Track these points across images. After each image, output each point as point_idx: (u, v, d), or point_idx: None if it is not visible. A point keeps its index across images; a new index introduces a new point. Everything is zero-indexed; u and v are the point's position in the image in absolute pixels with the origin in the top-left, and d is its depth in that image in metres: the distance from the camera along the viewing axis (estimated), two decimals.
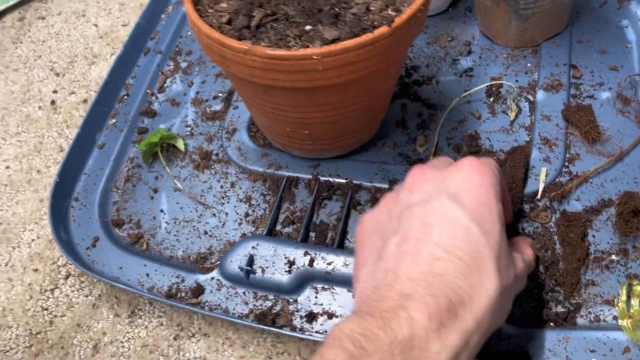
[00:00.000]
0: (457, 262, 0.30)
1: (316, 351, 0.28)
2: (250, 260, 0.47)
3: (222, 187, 0.54)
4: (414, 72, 0.61)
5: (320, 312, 0.45)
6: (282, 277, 0.46)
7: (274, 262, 0.46)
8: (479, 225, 0.31)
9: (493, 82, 0.57)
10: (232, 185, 0.54)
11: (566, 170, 0.50)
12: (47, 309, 0.50)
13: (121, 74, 0.65)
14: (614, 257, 0.44)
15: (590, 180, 0.49)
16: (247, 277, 0.46)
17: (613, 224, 0.45)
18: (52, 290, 0.51)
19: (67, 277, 0.52)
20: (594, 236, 0.46)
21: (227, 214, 0.52)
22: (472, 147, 0.52)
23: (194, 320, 0.48)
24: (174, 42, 0.69)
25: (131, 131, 0.61)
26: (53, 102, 0.67)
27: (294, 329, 0.44)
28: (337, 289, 0.46)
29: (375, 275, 0.32)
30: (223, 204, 0.53)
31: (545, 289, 0.43)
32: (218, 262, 0.49)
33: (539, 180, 0.48)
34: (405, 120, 0.56)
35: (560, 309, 0.43)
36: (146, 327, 0.48)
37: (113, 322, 0.49)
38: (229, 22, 0.42)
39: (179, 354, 0.46)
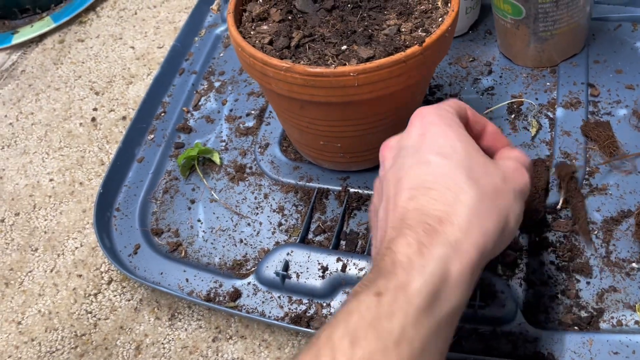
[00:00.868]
0: (428, 192, 0.32)
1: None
2: (286, 266, 0.49)
3: (256, 198, 0.57)
4: (438, 90, 0.64)
5: None
6: (315, 282, 0.48)
7: (308, 268, 0.49)
8: (439, 154, 0.33)
9: (514, 100, 0.60)
10: (266, 196, 0.57)
11: (586, 182, 0.52)
12: (91, 312, 0.53)
13: (158, 93, 0.69)
14: (634, 264, 0.46)
15: (610, 192, 0.51)
16: (282, 282, 0.49)
17: (633, 233, 0.47)
18: (95, 295, 0.54)
19: (109, 283, 0.55)
20: (614, 245, 0.48)
21: (261, 223, 0.55)
22: None
23: (231, 323, 0.50)
24: (208, 63, 0.73)
25: (168, 146, 0.64)
26: (93, 119, 0.70)
27: None
28: None
29: (375, 244, 0.35)
30: (257, 214, 0.56)
31: (569, 294, 0.45)
32: (254, 269, 0.51)
33: (562, 192, 0.51)
34: None
35: (584, 313, 0.44)
36: (186, 329, 0.50)
37: (154, 325, 0.51)
38: (270, 43, 0.45)
39: (217, 355, 0.48)
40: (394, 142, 0.38)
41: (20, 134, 0.71)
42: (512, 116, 0.59)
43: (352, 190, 0.55)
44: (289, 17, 0.48)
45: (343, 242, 0.52)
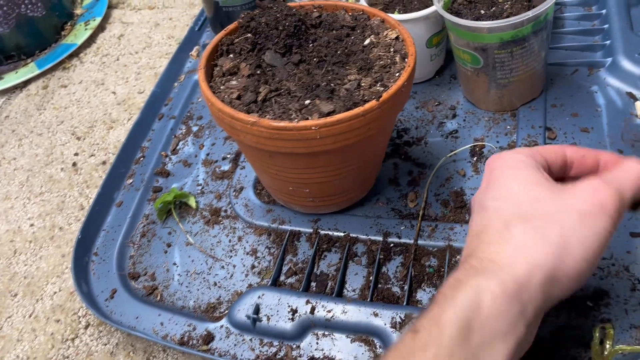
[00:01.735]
0: (480, 235, 0.33)
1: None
2: (257, 309, 0.51)
3: (230, 241, 0.59)
4: (405, 134, 0.67)
5: (321, 357, 0.49)
6: (285, 324, 0.50)
7: (278, 311, 0.51)
8: (493, 197, 0.34)
9: (476, 143, 0.63)
10: (240, 239, 0.59)
11: None
12: (68, 357, 0.54)
13: (138, 138, 0.72)
14: (588, 302, 0.49)
15: None
16: (253, 325, 0.50)
17: None
18: (72, 340, 0.55)
19: (86, 327, 0.56)
20: None
21: (234, 266, 0.57)
22: (457, 202, 0.57)
23: None
24: (186, 108, 0.76)
25: (147, 190, 0.66)
26: (74, 164, 0.73)
27: None
28: (337, 335, 0.50)
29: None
30: (231, 256, 0.58)
31: None
32: (227, 311, 0.53)
33: None
34: (397, 177, 0.62)
35: (539, 351, 0.46)
36: None
37: None
38: (238, 98, 0.48)
39: None
40: (477, 196, 0.37)
41: (3, 179, 0.72)
42: (475, 159, 0.62)
43: (322, 232, 0.57)
44: (258, 72, 0.51)
45: (314, 284, 0.54)
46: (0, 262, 0.63)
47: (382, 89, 0.48)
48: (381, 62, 0.50)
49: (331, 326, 0.50)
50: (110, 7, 1.01)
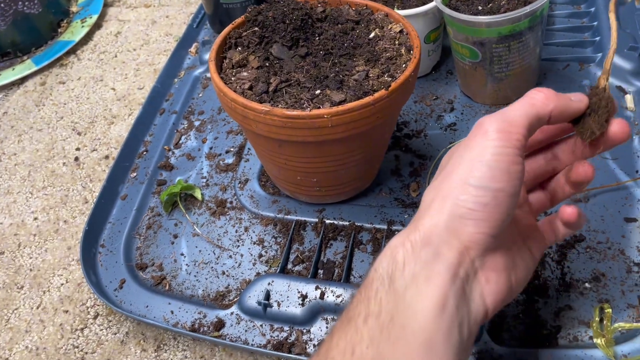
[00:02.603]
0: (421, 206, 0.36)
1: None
2: (267, 295, 0.52)
3: (236, 231, 0.60)
4: (405, 127, 0.69)
5: None
6: (296, 309, 0.51)
7: (288, 297, 0.52)
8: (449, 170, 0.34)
9: None
10: (246, 229, 0.60)
11: None
12: (78, 347, 0.54)
13: (140, 133, 0.72)
14: (587, 284, 0.51)
15: None
16: (264, 311, 0.52)
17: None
18: (82, 330, 0.56)
19: (95, 317, 0.57)
20: (569, 267, 0.52)
21: (242, 255, 0.58)
22: None
23: (215, 352, 0.53)
24: (187, 103, 0.77)
25: (151, 183, 0.67)
26: (77, 159, 0.73)
27: (308, 356, 0.49)
28: None
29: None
30: (238, 246, 0.59)
31: (529, 313, 0.49)
32: (236, 299, 0.54)
33: None
34: (399, 169, 0.63)
35: (543, 331, 0.48)
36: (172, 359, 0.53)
37: (141, 357, 0.53)
38: (250, 88, 0.49)
39: None
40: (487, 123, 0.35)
41: (4, 174, 0.72)
42: None
43: (327, 221, 0.59)
44: (266, 64, 0.52)
45: (321, 271, 0.55)
46: (4, 255, 0.63)
47: (390, 79, 0.49)
48: (387, 54, 0.52)
49: (340, 310, 0.51)
50: (106, 5, 1.01)
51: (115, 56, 0.89)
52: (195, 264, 0.58)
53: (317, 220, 0.59)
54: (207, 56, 0.81)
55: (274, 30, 0.54)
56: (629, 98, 0.66)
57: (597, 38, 0.73)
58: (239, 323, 0.52)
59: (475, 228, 0.32)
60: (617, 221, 0.55)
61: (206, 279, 0.57)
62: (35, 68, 0.87)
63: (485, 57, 0.63)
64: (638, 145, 0.61)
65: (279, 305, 0.52)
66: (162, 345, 0.54)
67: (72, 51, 0.91)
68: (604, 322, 0.47)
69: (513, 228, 0.38)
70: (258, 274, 0.56)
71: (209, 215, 0.62)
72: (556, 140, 0.40)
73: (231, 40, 0.55)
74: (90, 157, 0.73)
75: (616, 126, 0.35)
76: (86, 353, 0.54)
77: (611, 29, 0.41)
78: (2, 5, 0.87)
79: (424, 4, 0.68)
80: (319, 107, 0.46)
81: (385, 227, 0.57)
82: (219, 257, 0.58)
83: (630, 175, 0.58)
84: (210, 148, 0.70)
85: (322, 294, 0.52)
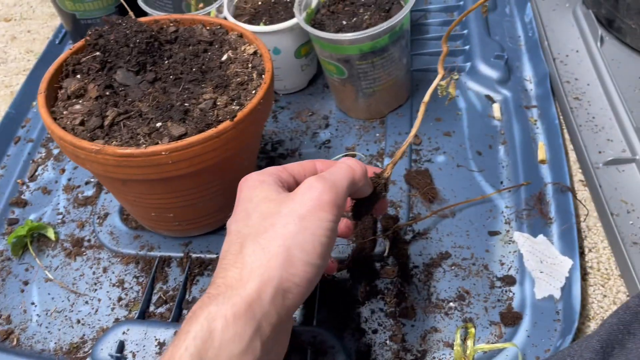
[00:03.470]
0: (221, 261, 0.33)
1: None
2: (121, 346, 0.48)
3: (94, 273, 0.55)
4: (280, 146, 0.66)
5: None
6: None
7: (144, 346, 0.48)
8: (235, 221, 0.35)
9: (348, 153, 0.64)
10: (105, 270, 0.55)
11: (410, 229, 0.56)
12: None
13: None
14: (452, 304, 0.50)
15: (431, 236, 0.55)
16: None
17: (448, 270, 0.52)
18: None
19: None
20: (435, 286, 0.52)
21: (99, 300, 0.53)
22: None
23: None
24: (46, 130, 0.70)
25: (1, 223, 0.60)
26: None
27: None
28: None
29: None
30: (95, 290, 0.54)
31: (396, 339, 0.48)
32: (90, 351, 0.49)
33: (387, 240, 0.54)
34: None
35: (409, 356, 0.48)
36: None
37: None
38: (82, 124, 0.45)
39: None
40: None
41: None
42: None
43: (194, 255, 0.55)
44: (108, 93, 0.48)
45: (185, 312, 0.52)
46: None
47: (237, 107, 0.46)
48: (238, 79, 0.49)
49: None
50: None
51: None
52: (47, 314, 0.53)
53: (182, 254, 0.55)
54: None
55: (118, 55, 0.49)
56: (496, 107, 0.67)
57: (467, 47, 0.74)
58: None
59: (294, 301, 0.32)
60: (482, 235, 0.55)
61: (59, 329, 0.52)
62: None
63: (352, 74, 0.61)
64: (503, 155, 0.62)
65: (134, 356, 0.48)
66: None
67: None
68: (467, 342, 0.47)
69: None
70: (117, 319, 0.52)
71: (64, 257, 0.57)
72: None
73: (68, 67, 0.50)
74: None
75: (381, 206, 0.43)
76: None
77: (416, 121, 0.44)
78: None
79: (292, 17, 0.65)
80: (157, 143, 0.43)
81: None
82: (74, 303, 0.53)
83: (495, 187, 0.59)
84: (69, 179, 0.64)
85: None
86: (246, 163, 0.53)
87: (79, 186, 0.63)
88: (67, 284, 0.55)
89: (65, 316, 0.52)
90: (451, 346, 0.48)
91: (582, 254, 0.54)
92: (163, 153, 0.42)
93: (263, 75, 0.49)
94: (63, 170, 0.65)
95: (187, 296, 0.53)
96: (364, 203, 0.42)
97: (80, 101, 0.47)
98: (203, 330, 0.29)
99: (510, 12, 0.81)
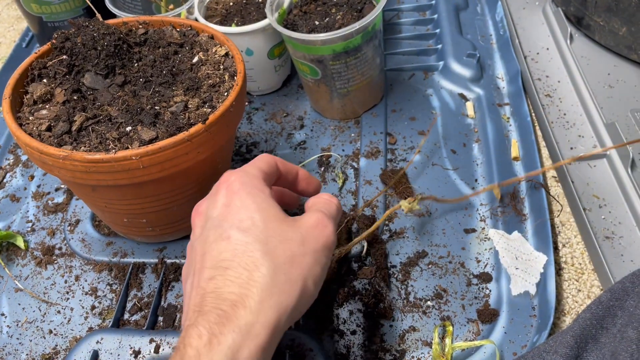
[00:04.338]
0: (225, 272, 0.32)
1: None
2: (95, 356, 0.47)
3: (66, 281, 0.54)
4: (255, 147, 0.66)
5: None
6: None
7: (119, 355, 0.47)
8: (239, 228, 0.33)
9: (323, 153, 0.63)
10: (77, 278, 0.54)
11: (387, 228, 0.56)
12: None
13: None
14: (429, 302, 0.51)
15: (407, 235, 0.55)
16: None
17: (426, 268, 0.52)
18: None
19: None
20: (412, 285, 0.52)
21: (72, 309, 0.52)
22: None
23: None
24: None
25: None
26: None
27: None
28: None
29: (183, 316, 0.34)
30: (68, 299, 0.53)
31: (375, 340, 0.48)
32: None
33: (364, 241, 0.54)
34: None
35: (388, 356, 0.48)
36: None
37: None
38: (49, 129, 0.44)
39: None
40: (203, 207, 0.38)
41: None
42: (322, 169, 0.62)
43: (169, 261, 0.54)
44: (75, 97, 0.47)
45: (161, 318, 0.51)
46: None
47: (209, 110, 0.46)
48: (210, 81, 0.48)
49: None
50: None
51: None
52: (17, 325, 0.51)
53: (157, 260, 0.54)
54: None
55: (85, 58, 0.48)
56: (469, 105, 0.68)
57: (440, 46, 0.74)
58: None
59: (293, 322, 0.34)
60: (458, 233, 0.55)
61: (30, 340, 0.50)
62: None
63: (325, 74, 0.61)
64: (477, 153, 0.63)
65: None
66: None
67: None
68: (445, 340, 0.47)
69: None
70: (90, 328, 0.51)
71: (35, 266, 0.55)
72: None
73: (34, 71, 0.49)
74: None
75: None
76: None
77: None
78: None
79: (264, 18, 0.65)
80: (127, 148, 0.42)
81: None
82: (45, 313, 0.52)
83: (469, 185, 0.59)
84: (38, 186, 0.63)
85: (157, 348, 0.47)
86: (220, 166, 0.52)
87: (48, 193, 0.62)
88: (38, 294, 0.53)
89: (37, 326, 0.51)
90: (430, 345, 0.48)
91: (556, 249, 0.55)
92: (133, 158, 0.41)
93: (235, 77, 0.48)
94: (32, 177, 0.63)
95: (162, 303, 0.52)
96: None
97: (47, 106, 0.46)
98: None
99: (482, 11, 0.82)
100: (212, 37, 0.53)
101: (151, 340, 0.48)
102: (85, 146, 0.42)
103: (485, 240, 0.54)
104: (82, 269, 0.55)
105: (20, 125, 0.44)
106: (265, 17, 0.65)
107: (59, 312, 0.52)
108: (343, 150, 0.64)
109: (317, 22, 0.61)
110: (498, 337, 0.47)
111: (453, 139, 0.64)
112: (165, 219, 0.51)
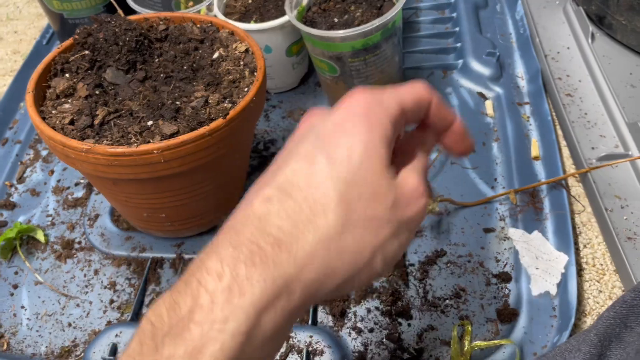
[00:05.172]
0: (286, 200, 0.25)
1: None
2: (114, 349, 0.47)
3: (85, 275, 0.54)
4: (272, 145, 0.66)
5: None
6: None
7: None
8: (329, 157, 0.26)
9: None
10: (96, 272, 0.54)
11: None
12: None
13: None
14: (448, 301, 0.50)
15: (425, 234, 0.55)
16: None
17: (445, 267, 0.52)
18: None
19: None
20: (430, 284, 0.51)
21: (91, 302, 0.52)
22: None
23: None
24: (34, 131, 0.69)
25: None
26: None
27: None
28: None
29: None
30: (87, 292, 0.53)
31: (393, 338, 0.48)
32: (82, 354, 0.48)
33: None
34: None
35: (406, 355, 0.47)
36: None
37: None
38: (71, 123, 0.44)
39: None
40: (317, 114, 0.30)
41: None
42: None
43: (187, 256, 0.55)
44: (97, 92, 0.47)
45: None
46: None
47: (230, 105, 0.46)
48: (230, 77, 0.49)
49: None
50: None
51: None
52: (37, 317, 0.52)
53: (175, 255, 0.55)
54: None
55: (107, 53, 0.49)
56: (488, 104, 0.67)
57: (459, 44, 0.74)
58: None
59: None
60: (477, 232, 0.55)
61: (50, 333, 0.51)
62: None
63: (344, 71, 0.61)
64: (497, 152, 0.62)
65: None
66: None
67: None
68: (464, 340, 0.47)
69: None
70: (109, 322, 0.51)
71: (54, 259, 0.56)
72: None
73: (57, 66, 0.49)
74: None
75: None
76: None
77: None
78: None
79: (283, 15, 0.65)
80: (149, 142, 0.42)
81: None
82: (64, 306, 0.52)
83: (489, 184, 0.59)
84: (58, 181, 0.63)
85: None
86: (239, 162, 0.53)
87: (68, 187, 0.62)
88: (58, 287, 0.54)
89: (56, 319, 0.52)
90: (448, 344, 0.48)
91: (577, 249, 0.54)
92: (155, 152, 0.41)
93: (255, 73, 0.48)
94: (52, 172, 0.64)
95: None
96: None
97: (70, 100, 0.46)
98: (245, 325, 0.23)
99: (501, 10, 0.81)
100: (232, 33, 0.53)
101: None
102: (107, 140, 0.43)
103: (504, 240, 0.54)
104: (101, 263, 0.55)
105: (43, 118, 0.44)
106: (283, 14, 0.65)
107: (78, 305, 0.52)
108: None
109: (336, 20, 0.61)
110: (518, 337, 0.47)
111: (472, 137, 0.63)
112: (183, 214, 0.51)
